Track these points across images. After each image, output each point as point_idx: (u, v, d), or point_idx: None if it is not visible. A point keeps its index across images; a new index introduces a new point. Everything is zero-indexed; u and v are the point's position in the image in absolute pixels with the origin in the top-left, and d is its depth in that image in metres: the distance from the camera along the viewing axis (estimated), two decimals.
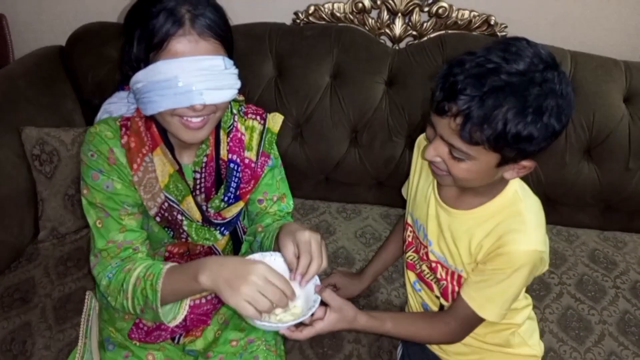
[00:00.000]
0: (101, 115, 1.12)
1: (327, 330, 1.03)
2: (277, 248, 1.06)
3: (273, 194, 1.24)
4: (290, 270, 0.99)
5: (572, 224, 1.83)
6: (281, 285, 0.92)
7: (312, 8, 1.90)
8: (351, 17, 1.90)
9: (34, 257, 1.60)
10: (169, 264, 1.03)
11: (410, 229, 1.27)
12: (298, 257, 0.97)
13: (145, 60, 0.95)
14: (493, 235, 1.05)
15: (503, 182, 1.06)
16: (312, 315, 1.00)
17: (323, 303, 1.02)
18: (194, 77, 0.93)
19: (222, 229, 1.20)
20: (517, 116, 0.85)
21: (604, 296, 1.58)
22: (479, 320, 1.11)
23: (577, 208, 1.82)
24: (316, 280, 1.02)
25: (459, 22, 1.86)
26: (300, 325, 1.01)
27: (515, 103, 0.84)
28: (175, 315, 1.07)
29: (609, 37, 1.89)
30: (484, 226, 1.06)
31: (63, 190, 1.66)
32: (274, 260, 1.03)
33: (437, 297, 1.22)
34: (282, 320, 0.98)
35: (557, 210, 1.80)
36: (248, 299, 0.89)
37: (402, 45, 1.93)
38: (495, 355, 1.22)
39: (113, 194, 1.05)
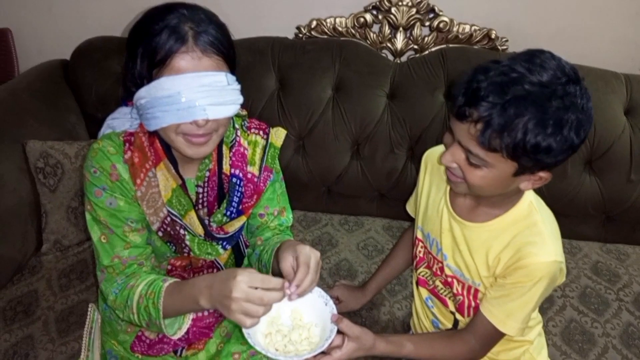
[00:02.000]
0: (104, 130, 1.13)
1: (345, 358, 1.02)
2: (275, 263, 1.07)
3: (274, 208, 1.24)
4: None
5: (574, 236, 1.83)
6: (266, 284, 0.91)
7: (314, 22, 1.92)
8: (353, 31, 1.92)
9: (37, 270, 1.60)
10: (168, 281, 1.03)
11: (421, 244, 1.26)
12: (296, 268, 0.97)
13: (149, 77, 0.95)
14: (511, 248, 1.04)
15: (518, 194, 1.06)
16: (330, 344, 0.99)
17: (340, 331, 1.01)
18: (197, 93, 0.93)
19: (225, 243, 1.20)
20: (537, 127, 0.85)
21: (607, 309, 1.58)
22: (500, 337, 1.10)
23: (579, 220, 1.82)
24: (333, 309, 1.02)
25: (460, 36, 1.88)
26: (318, 355, 1.00)
27: (536, 114, 0.85)
28: (180, 325, 1.08)
29: (609, 49, 1.90)
30: (501, 238, 1.06)
31: (66, 203, 1.67)
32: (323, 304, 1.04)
33: (452, 313, 1.21)
34: (299, 350, 0.98)
35: (559, 222, 1.76)
36: (241, 313, 0.90)
37: (404, 58, 1.94)
38: None
39: (116, 211, 1.06)
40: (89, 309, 1.34)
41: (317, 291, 1.05)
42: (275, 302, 0.92)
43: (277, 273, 1.02)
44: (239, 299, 0.89)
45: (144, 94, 0.96)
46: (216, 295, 0.93)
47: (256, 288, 0.90)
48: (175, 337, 1.07)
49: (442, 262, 1.18)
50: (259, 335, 1.00)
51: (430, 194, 1.23)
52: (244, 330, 0.96)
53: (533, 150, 0.87)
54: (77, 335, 1.38)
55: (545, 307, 1.56)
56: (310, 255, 0.97)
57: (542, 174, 0.95)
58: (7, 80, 1.85)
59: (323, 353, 1.01)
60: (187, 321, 1.09)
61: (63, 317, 1.45)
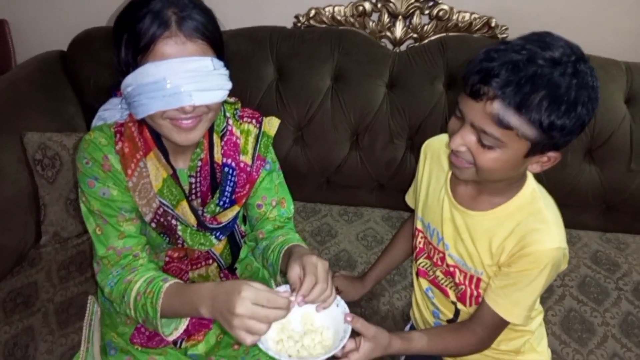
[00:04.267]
0: (96, 122, 1.13)
1: None
2: (283, 266, 1.07)
3: (272, 199, 1.23)
4: (294, 290, 0.96)
5: (574, 226, 1.83)
6: (271, 302, 0.89)
7: (312, 11, 1.90)
8: (352, 20, 1.91)
9: (36, 262, 1.60)
10: (169, 282, 1.01)
11: (421, 235, 1.26)
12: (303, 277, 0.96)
13: (134, 64, 0.94)
14: (515, 235, 1.04)
15: (520, 182, 1.06)
16: (344, 347, 0.98)
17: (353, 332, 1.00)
18: (182, 79, 0.92)
19: (218, 233, 1.19)
20: (552, 105, 0.85)
21: (607, 298, 1.58)
22: (506, 325, 1.11)
23: (579, 209, 1.82)
24: (345, 309, 1.01)
25: (460, 24, 1.86)
26: (332, 358, 0.98)
27: (551, 91, 0.85)
28: (177, 326, 1.07)
29: (610, 38, 1.89)
30: (504, 226, 1.06)
31: (65, 195, 1.66)
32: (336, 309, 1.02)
33: (453, 303, 1.21)
34: (312, 353, 0.96)
35: (559, 212, 1.79)
36: (243, 329, 0.88)
37: (403, 48, 1.93)
38: None
39: (110, 201, 1.06)
40: (89, 301, 1.34)
41: None
42: (280, 319, 0.91)
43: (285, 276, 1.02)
44: (242, 315, 0.87)
45: (130, 82, 0.95)
46: (218, 308, 0.90)
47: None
48: (170, 338, 1.06)
49: (443, 252, 1.18)
50: (270, 342, 0.97)
51: (431, 183, 1.23)
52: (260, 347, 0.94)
53: (548, 128, 0.87)
54: (76, 327, 1.38)
55: (545, 296, 1.56)
56: (317, 264, 0.96)
57: (551, 154, 0.95)
58: (4, 72, 1.84)
59: (338, 358, 1.00)
60: (184, 322, 1.08)
61: (63, 309, 1.45)
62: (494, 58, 0.88)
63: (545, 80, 0.85)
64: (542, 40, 0.89)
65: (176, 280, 1.04)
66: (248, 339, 0.88)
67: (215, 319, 0.94)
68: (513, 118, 0.87)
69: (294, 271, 0.97)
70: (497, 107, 0.87)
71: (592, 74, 0.89)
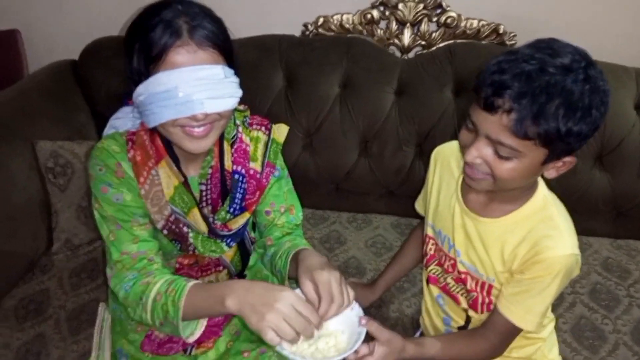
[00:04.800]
0: (107, 130, 1.14)
1: None
2: (292, 271, 1.07)
3: (280, 205, 1.23)
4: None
5: (584, 232, 1.82)
6: (308, 314, 0.91)
7: (321, 20, 1.92)
8: (360, 28, 1.92)
9: (48, 269, 1.62)
10: (192, 281, 1.02)
11: (432, 241, 1.26)
12: (319, 296, 0.96)
13: (146, 73, 0.95)
14: (527, 242, 1.04)
15: (532, 189, 1.06)
16: (357, 352, 0.98)
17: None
18: (193, 87, 0.93)
19: (229, 240, 1.20)
20: (568, 112, 0.86)
21: (618, 305, 1.57)
22: (519, 332, 1.10)
23: (589, 216, 1.80)
24: (360, 312, 1.01)
25: (468, 31, 1.87)
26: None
27: (566, 99, 0.85)
28: (192, 330, 1.06)
29: (619, 44, 1.88)
30: (516, 233, 1.06)
31: (77, 202, 1.68)
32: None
33: (464, 310, 1.20)
34: (327, 356, 0.96)
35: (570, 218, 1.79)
36: (272, 326, 0.88)
37: (411, 55, 1.94)
38: None
39: (123, 206, 1.06)
40: (100, 308, 1.35)
41: None
42: (306, 336, 0.92)
43: (294, 280, 1.02)
44: (280, 311, 0.88)
45: (142, 91, 0.96)
46: (251, 300, 0.91)
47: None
48: (190, 340, 1.05)
49: (454, 259, 1.18)
50: (285, 343, 0.96)
51: (441, 190, 1.22)
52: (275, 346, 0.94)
53: (566, 134, 0.87)
54: (88, 334, 1.39)
55: (556, 303, 1.55)
56: (330, 280, 0.96)
57: (567, 159, 0.95)
58: (16, 81, 1.86)
59: None
60: (200, 327, 1.07)
61: (74, 316, 1.46)
62: (505, 69, 0.88)
63: (559, 89, 0.85)
64: (550, 47, 0.89)
65: (199, 281, 1.05)
66: (275, 339, 0.88)
67: (238, 313, 0.93)
68: (531, 128, 0.87)
69: (308, 287, 0.96)
70: (514, 118, 0.87)
71: (602, 77, 0.90)
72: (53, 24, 2.14)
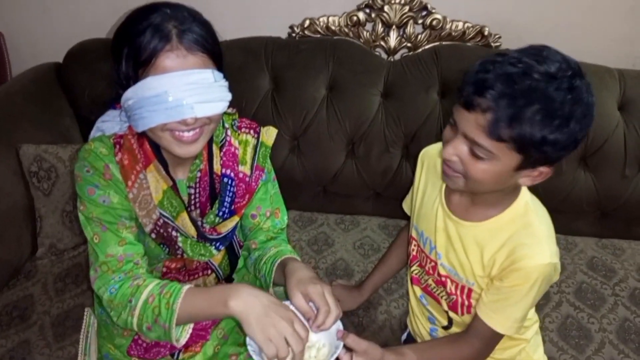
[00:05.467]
0: (94, 133, 1.12)
1: None
2: (277, 278, 1.10)
3: (266, 209, 1.23)
4: (307, 319, 0.99)
5: (569, 232, 1.84)
6: (303, 335, 0.93)
7: (307, 22, 1.92)
8: (346, 30, 1.92)
9: (32, 274, 1.60)
10: (187, 285, 1.02)
11: (415, 242, 1.26)
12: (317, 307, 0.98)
13: (135, 78, 0.95)
14: (505, 249, 1.04)
15: (514, 194, 1.06)
16: None
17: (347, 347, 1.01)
18: (183, 92, 0.93)
19: (218, 244, 1.19)
20: (545, 119, 0.85)
21: (604, 304, 1.58)
22: (502, 337, 1.11)
23: (574, 216, 1.82)
24: (339, 325, 1.02)
25: (453, 33, 1.88)
26: None
27: (545, 105, 0.85)
28: (178, 336, 1.03)
29: (603, 45, 1.90)
30: (496, 239, 1.06)
31: (61, 207, 1.66)
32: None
33: (445, 311, 1.21)
34: None
35: (554, 219, 1.76)
36: (273, 341, 0.90)
37: (397, 57, 1.94)
38: None
39: (110, 208, 1.05)
40: (85, 313, 1.33)
41: None
42: (297, 355, 0.93)
43: (279, 286, 1.05)
44: (284, 328, 0.91)
45: (130, 95, 0.96)
46: (257, 308, 0.93)
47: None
48: (178, 344, 1.04)
49: (435, 261, 1.18)
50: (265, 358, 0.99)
51: (426, 192, 1.23)
52: (249, 348, 0.96)
53: (541, 142, 0.87)
54: (73, 340, 1.38)
55: (542, 303, 1.57)
56: (323, 293, 0.98)
57: (542, 168, 0.95)
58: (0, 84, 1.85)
59: None
60: (188, 331, 1.06)
61: (59, 322, 1.45)
62: (489, 70, 0.88)
63: (540, 94, 0.85)
64: (539, 54, 0.89)
65: (193, 285, 1.05)
66: (272, 350, 0.91)
67: (239, 316, 0.94)
68: (505, 131, 0.87)
69: (299, 299, 0.99)
70: (489, 118, 0.87)
71: (589, 90, 0.89)
72: (36, 26, 2.11)
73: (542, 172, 0.96)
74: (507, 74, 0.87)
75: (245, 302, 0.94)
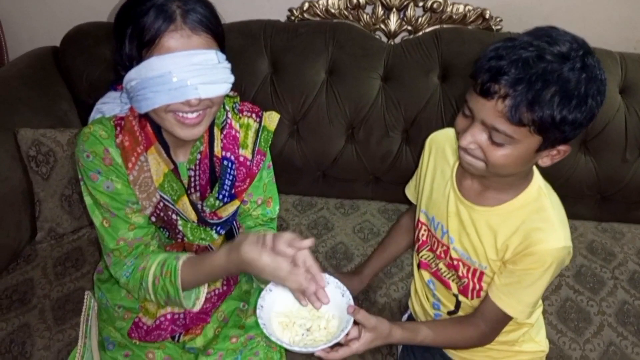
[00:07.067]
0: (94, 115, 1.12)
1: (363, 349, 1.04)
2: None
3: (258, 197, 1.23)
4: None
5: (569, 216, 1.79)
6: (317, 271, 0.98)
7: (306, 4, 1.90)
8: (346, 13, 1.90)
9: (32, 259, 1.60)
10: (181, 259, 1.05)
11: (424, 227, 1.26)
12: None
13: (138, 58, 0.94)
14: (519, 233, 1.05)
15: (527, 179, 1.06)
16: (347, 335, 1.00)
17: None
18: (187, 72, 0.92)
19: (218, 228, 1.19)
20: (564, 100, 0.86)
21: (603, 287, 1.59)
22: (509, 320, 1.12)
23: (575, 200, 1.82)
24: (350, 300, 1.04)
25: (454, 16, 1.86)
26: (335, 346, 1.01)
27: (562, 87, 0.86)
28: (197, 295, 1.11)
29: (604, 29, 1.89)
30: (509, 223, 1.06)
31: (60, 191, 1.65)
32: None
33: (455, 295, 1.21)
34: (316, 339, 1.00)
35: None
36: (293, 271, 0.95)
37: (397, 40, 1.93)
38: (502, 353, 1.23)
39: (115, 194, 1.05)
40: (85, 297, 1.34)
41: (334, 282, 1.07)
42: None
43: None
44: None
45: (133, 76, 0.95)
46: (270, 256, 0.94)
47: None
48: (195, 309, 1.11)
49: (447, 246, 1.18)
50: (275, 325, 1.01)
51: (435, 177, 1.22)
52: (259, 320, 0.98)
53: (560, 122, 0.87)
54: (74, 323, 1.38)
55: None
56: (306, 260, 0.98)
57: (561, 147, 0.96)
58: None
59: (340, 345, 1.02)
60: (204, 291, 1.12)
61: (59, 305, 1.45)
62: (502, 56, 0.89)
63: (556, 76, 0.86)
64: (548, 35, 0.89)
65: (187, 254, 1.08)
66: (298, 283, 0.95)
67: (238, 265, 0.97)
68: (526, 115, 0.87)
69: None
70: (509, 104, 0.88)
71: (599, 66, 0.90)
72: (33, 9, 2.09)
73: (561, 150, 0.97)
74: (521, 58, 0.87)
75: (249, 247, 0.95)
